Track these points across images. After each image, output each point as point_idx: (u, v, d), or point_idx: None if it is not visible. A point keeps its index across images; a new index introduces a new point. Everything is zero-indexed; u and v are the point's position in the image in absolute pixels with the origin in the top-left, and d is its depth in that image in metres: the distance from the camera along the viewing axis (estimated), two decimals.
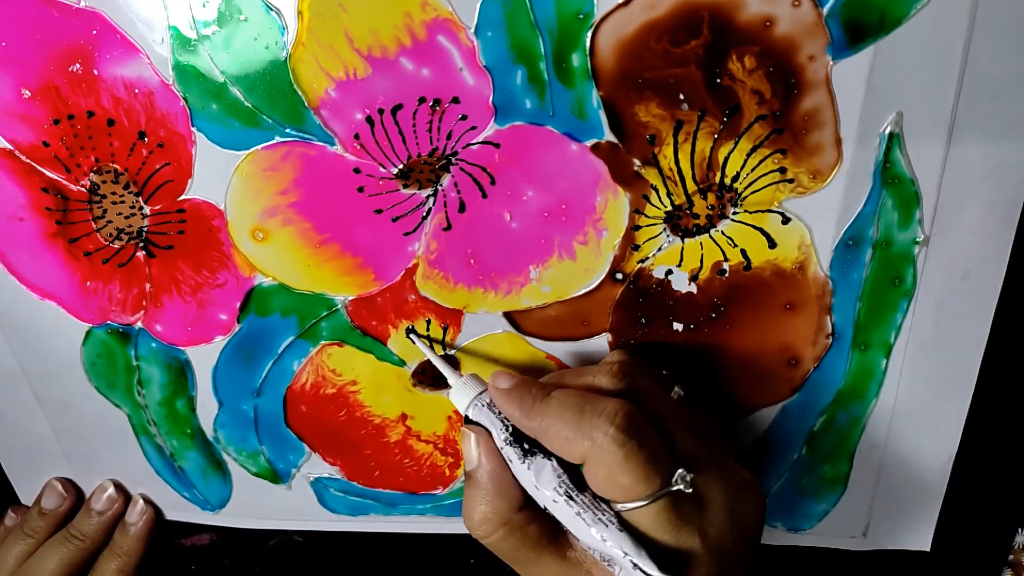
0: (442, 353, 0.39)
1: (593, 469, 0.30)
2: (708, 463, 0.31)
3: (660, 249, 0.36)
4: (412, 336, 0.39)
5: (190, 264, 0.38)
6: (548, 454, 0.32)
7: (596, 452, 0.30)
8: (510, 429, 0.33)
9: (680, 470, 0.30)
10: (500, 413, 0.33)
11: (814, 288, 0.36)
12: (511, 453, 0.32)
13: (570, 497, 0.30)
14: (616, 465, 0.29)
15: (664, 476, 0.30)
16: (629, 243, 0.36)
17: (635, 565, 0.29)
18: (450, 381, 0.36)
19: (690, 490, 0.30)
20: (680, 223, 0.35)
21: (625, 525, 0.30)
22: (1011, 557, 0.43)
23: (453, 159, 0.34)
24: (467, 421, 0.35)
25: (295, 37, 0.32)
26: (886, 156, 0.33)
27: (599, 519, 0.30)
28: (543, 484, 0.31)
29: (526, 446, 0.32)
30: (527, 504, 0.32)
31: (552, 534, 0.32)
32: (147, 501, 0.45)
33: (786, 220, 0.35)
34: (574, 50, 0.32)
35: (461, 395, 0.35)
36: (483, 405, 0.34)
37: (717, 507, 0.31)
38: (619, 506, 0.30)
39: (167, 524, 0.46)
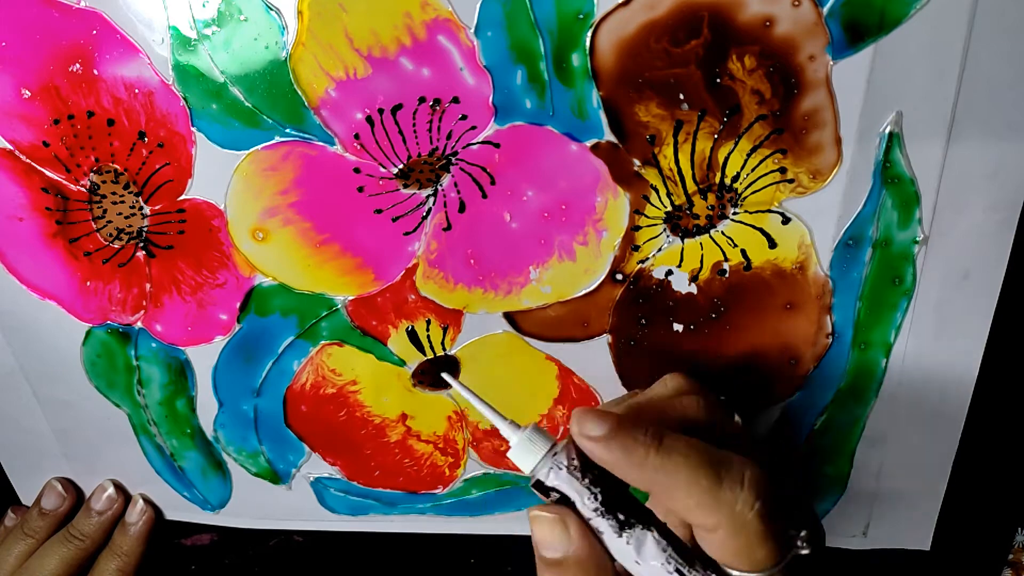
0: (443, 354, 0.39)
1: (725, 539, 0.27)
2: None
3: (660, 249, 0.36)
4: (455, 383, 0.33)
5: (190, 264, 0.38)
6: (648, 523, 0.28)
7: (734, 523, 0.26)
8: (599, 497, 0.27)
9: (803, 531, 0.28)
10: (585, 476, 0.28)
11: (814, 288, 0.36)
12: (603, 525, 0.27)
13: (680, 573, 0.27)
14: (755, 537, 0.27)
15: (785, 544, 0.27)
16: (629, 243, 0.36)
17: None
18: (511, 439, 0.29)
19: (807, 552, 0.28)
20: (680, 223, 0.35)
21: None
22: (1011, 557, 0.43)
23: (453, 159, 0.34)
24: (538, 487, 0.29)
25: (295, 37, 0.32)
26: (886, 156, 0.33)
27: None
28: (646, 559, 0.27)
29: (621, 517, 0.27)
30: None
31: None
32: (147, 501, 0.45)
33: (786, 220, 0.35)
34: (574, 50, 0.32)
35: (527, 452, 0.28)
36: (561, 468, 0.28)
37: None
38: (739, 573, 0.27)
39: (167, 524, 0.46)
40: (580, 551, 0.27)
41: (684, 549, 0.28)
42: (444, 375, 0.36)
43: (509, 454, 0.29)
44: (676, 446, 0.27)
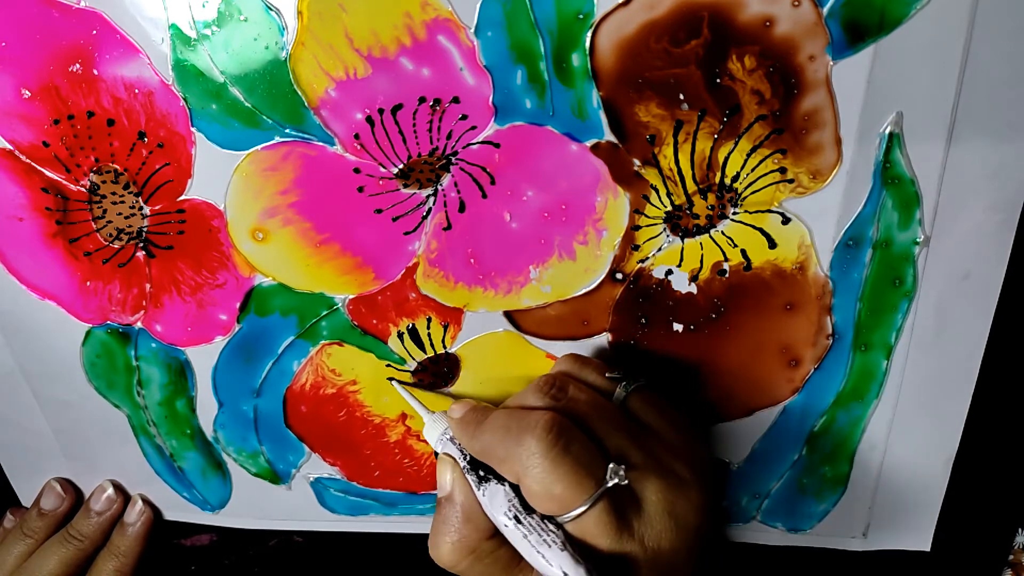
0: (442, 351, 0.39)
1: (528, 486, 0.30)
2: (643, 462, 0.31)
3: (660, 249, 0.36)
4: (394, 382, 0.40)
5: (190, 264, 0.38)
6: (502, 480, 0.32)
7: (526, 467, 0.30)
8: (468, 457, 0.33)
9: (612, 464, 0.30)
10: (460, 443, 0.34)
11: (814, 288, 0.36)
12: (470, 479, 0.33)
13: (518, 520, 0.30)
14: (546, 476, 0.29)
15: (598, 477, 0.30)
16: (629, 243, 0.36)
17: None
18: (424, 419, 0.37)
19: (625, 482, 0.30)
20: (680, 223, 0.35)
21: (570, 543, 0.30)
22: (1011, 557, 0.43)
23: (453, 159, 0.34)
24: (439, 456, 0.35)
25: (295, 37, 0.32)
26: (886, 156, 0.33)
27: (543, 540, 0.30)
28: (496, 509, 0.31)
29: (481, 473, 0.32)
30: (495, 532, 0.32)
31: (519, 558, 0.32)
32: (145, 501, 0.45)
33: (786, 220, 0.35)
34: (574, 50, 0.32)
35: (432, 431, 0.36)
36: (447, 438, 0.35)
37: (654, 507, 0.31)
38: (561, 518, 0.30)
39: (167, 524, 0.46)
40: (455, 492, 0.33)
41: (527, 503, 0.31)
42: (395, 385, 0.40)
43: (423, 432, 0.37)
44: (489, 421, 0.33)
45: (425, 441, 0.38)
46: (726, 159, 0.34)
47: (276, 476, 0.44)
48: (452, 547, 0.32)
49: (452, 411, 0.35)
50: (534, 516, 0.31)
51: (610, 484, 0.29)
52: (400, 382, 0.40)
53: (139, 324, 0.40)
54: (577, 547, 0.30)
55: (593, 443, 0.31)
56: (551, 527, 0.30)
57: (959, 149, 0.33)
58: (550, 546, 0.30)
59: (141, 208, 0.37)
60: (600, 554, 0.30)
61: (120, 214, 0.37)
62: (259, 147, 0.34)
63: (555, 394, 0.33)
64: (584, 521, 0.30)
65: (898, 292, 0.36)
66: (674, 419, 0.34)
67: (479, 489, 0.32)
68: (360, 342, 0.39)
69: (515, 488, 0.31)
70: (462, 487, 0.33)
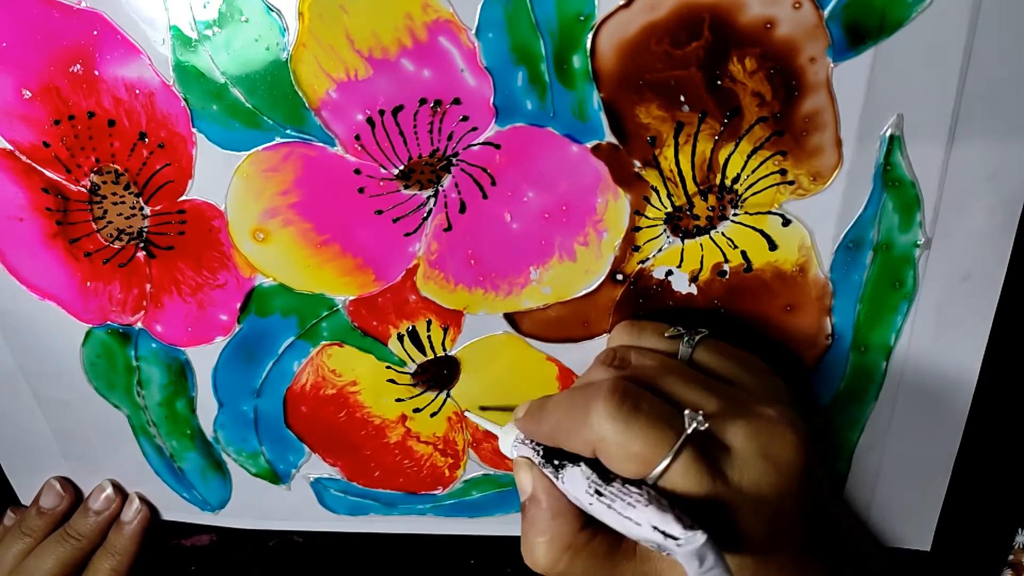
0: (442, 354, 0.39)
1: (604, 451, 0.29)
2: (723, 409, 0.30)
3: (660, 250, 0.36)
4: (467, 413, 0.41)
5: (190, 265, 0.38)
6: (577, 461, 0.30)
7: (599, 434, 0.29)
8: (540, 451, 0.32)
9: (687, 411, 0.28)
10: (533, 443, 0.33)
11: (814, 290, 0.36)
12: (548, 473, 0.31)
13: (600, 494, 0.29)
14: (620, 435, 0.28)
15: (676, 428, 0.28)
16: (629, 244, 0.36)
17: (665, 535, 0.26)
18: (498, 434, 0.36)
19: (705, 426, 0.28)
20: (680, 224, 0.35)
21: (658, 498, 0.28)
22: (1011, 557, 0.43)
23: (454, 160, 0.34)
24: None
25: (296, 38, 0.32)
26: (887, 158, 0.33)
27: (627, 503, 0.28)
28: (578, 492, 0.30)
29: (556, 462, 0.31)
30: (588, 523, 0.31)
31: (619, 541, 0.31)
32: (143, 500, 0.45)
33: (786, 222, 0.35)
34: (575, 51, 0.32)
35: (506, 442, 0.35)
36: (519, 442, 0.34)
37: (744, 451, 0.29)
38: (649, 477, 0.28)
39: (167, 525, 0.46)
40: (537, 491, 0.31)
41: (608, 474, 0.30)
42: (467, 414, 0.41)
43: (500, 446, 0.36)
44: (553, 401, 0.32)
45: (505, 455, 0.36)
46: (727, 161, 0.34)
47: (276, 476, 0.44)
48: (547, 546, 0.30)
49: (516, 412, 0.34)
50: (615, 484, 0.29)
51: (689, 430, 0.28)
52: (467, 411, 0.41)
53: (139, 324, 0.40)
54: (665, 497, 0.28)
55: (663, 399, 0.30)
56: (633, 489, 0.28)
57: (960, 151, 0.33)
58: (635, 506, 0.28)
59: (142, 208, 0.37)
60: (699, 506, 0.28)
61: (120, 214, 0.37)
62: (260, 148, 0.34)
63: (618, 364, 0.32)
64: (671, 476, 0.28)
65: (898, 294, 0.36)
66: (747, 360, 0.33)
67: (558, 478, 0.31)
68: (360, 344, 0.39)
69: (591, 465, 0.30)
70: (543, 484, 0.31)
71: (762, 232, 0.35)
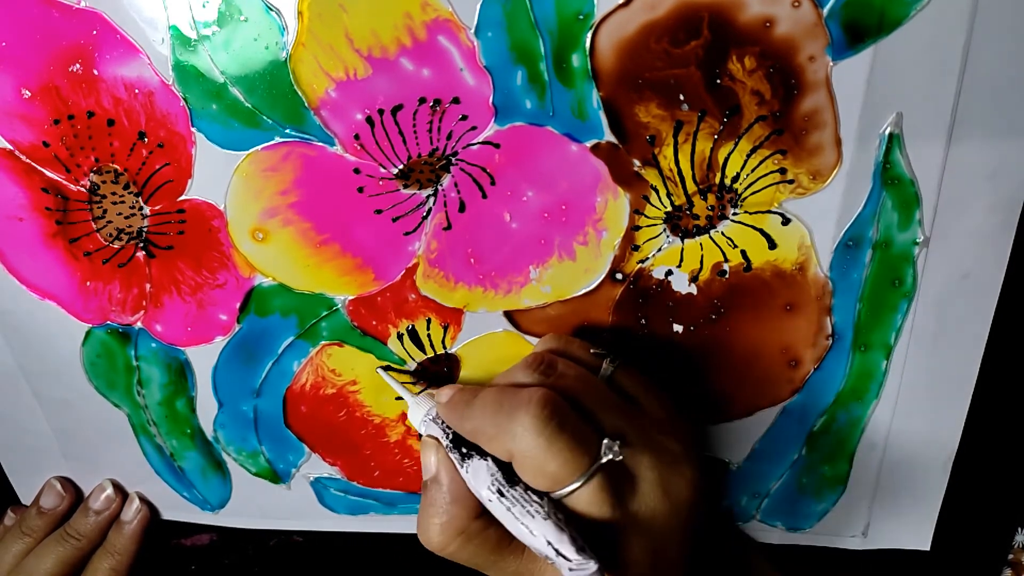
0: (442, 352, 0.39)
1: (520, 462, 0.30)
2: (636, 439, 0.31)
3: (660, 250, 0.36)
4: (379, 369, 0.40)
5: (190, 264, 0.38)
6: (485, 455, 0.32)
7: (519, 444, 0.29)
8: (450, 436, 0.33)
9: (606, 440, 0.30)
10: (444, 424, 0.34)
11: (814, 289, 0.36)
12: (454, 458, 0.32)
13: (501, 494, 0.30)
14: (540, 453, 0.29)
15: (592, 453, 0.29)
16: (629, 243, 0.36)
17: (557, 552, 0.28)
18: (408, 401, 0.37)
19: (620, 458, 0.29)
20: (680, 224, 0.35)
21: (556, 514, 0.29)
22: (1011, 557, 0.43)
23: (453, 159, 0.34)
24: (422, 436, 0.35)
25: (295, 37, 0.32)
26: (886, 157, 0.33)
27: (526, 511, 0.29)
28: (479, 485, 0.31)
29: (463, 451, 0.32)
30: (483, 512, 0.32)
31: (510, 536, 0.32)
32: (142, 500, 0.45)
33: (786, 221, 0.35)
34: (574, 50, 0.32)
35: (415, 413, 0.36)
36: (430, 419, 0.34)
37: (647, 483, 0.31)
38: (556, 494, 0.30)
39: (167, 524, 0.46)
40: (440, 473, 0.32)
41: (514, 477, 0.31)
42: (379, 371, 0.40)
43: (408, 415, 0.37)
44: (479, 399, 0.32)
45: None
46: (726, 160, 0.34)
47: (276, 476, 0.44)
48: (441, 528, 0.32)
49: (439, 394, 0.35)
50: (517, 488, 0.30)
51: (604, 460, 0.29)
52: (385, 368, 0.40)
53: (139, 324, 0.40)
54: (562, 515, 0.29)
55: (585, 419, 0.31)
56: (534, 498, 0.30)
57: (959, 150, 0.33)
58: (533, 516, 0.29)
59: (141, 208, 0.37)
60: (594, 528, 0.29)
61: (120, 214, 0.37)
62: (259, 147, 0.34)
63: (544, 370, 0.33)
64: (577, 498, 0.29)
65: (898, 292, 0.36)
66: (659, 395, 0.34)
67: (462, 466, 0.32)
68: (360, 343, 0.39)
69: (498, 463, 0.31)
70: (447, 467, 0.32)
71: (762, 231, 0.35)
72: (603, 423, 0.31)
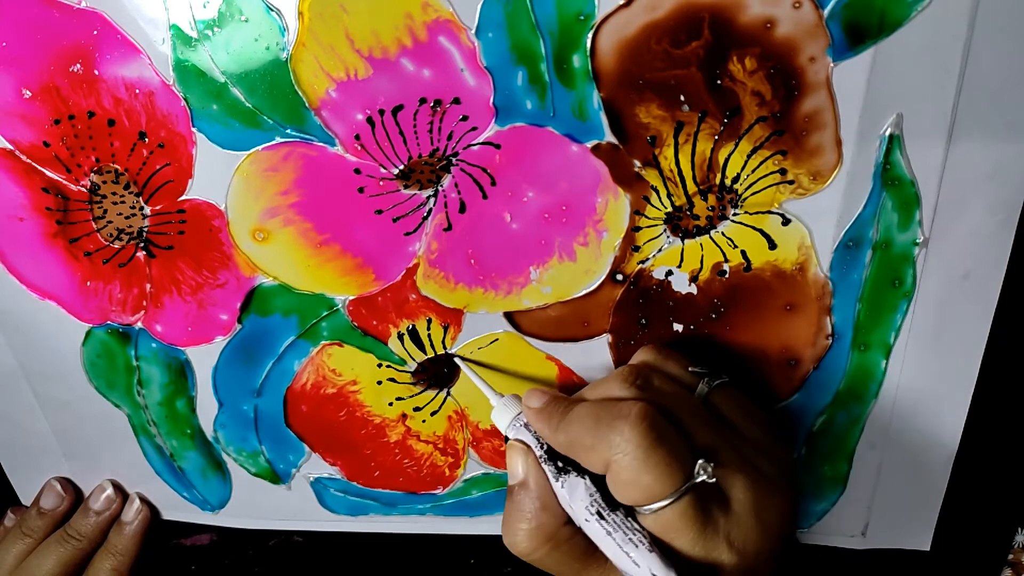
0: (442, 352, 0.39)
1: (616, 474, 0.30)
2: (730, 460, 0.31)
3: (660, 250, 0.36)
4: (457, 359, 0.39)
5: (190, 264, 0.38)
6: (583, 472, 0.32)
7: (616, 455, 0.29)
8: (545, 447, 0.33)
9: (701, 460, 0.29)
10: (534, 431, 0.34)
11: (814, 289, 0.36)
12: (547, 469, 0.32)
13: (601, 516, 0.30)
14: (637, 464, 0.29)
15: (686, 471, 0.29)
16: (629, 244, 0.36)
17: None
18: (492, 401, 0.36)
19: (713, 480, 0.29)
20: (680, 224, 0.35)
21: (656, 543, 0.29)
22: (1011, 557, 0.43)
23: (454, 160, 0.34)
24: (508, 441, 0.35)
25: (296, 38, 0.32)
26: (886, 157, 0.33)
27: (630, 539, 0.30)
28: (576, 503, 0.31)
29: (560, 464, 0.32)
30: (569, 519, 0.32)
31: (594, 545, 0.32)
32: (143, 500, 0.45)
33: (786, 221, 0.35)
34: (575, 51, 0.32)
35: (502, 415, 0.35)
36: (521, 424, 0.34)
37: (740, 505, 0.30)
38: (646, 508, 0.29)
39: (168, 524, 0.46)
40: (529, 479, 0.32)
41: (613, 500, 0.31)
42: (458, 360, 0.39)
43: (491, 415, 0.36)
44: (576, 411, 0.32)
45: (495, 426, 0.37)
46: (726, 160, 0.34)
47: (276, 476, 0.44)
48: (529, 534, 0.32)
49: (529, 399, 0.34)
50: (618, 513, 0.30)
51: (698, 480, 0.29)
52: (463, 358, 0.39)
53: (139, 324, 0.40)
54: (662, 547, 0.29)
55: (682, 436, 0.30)
56: (636, 526, 0.30)
57: (959, 150, 0.33)
58: (637, 546, 0.29)
59: (142, 208, 0.37)
60: (683, 551, 0.29)
61: (120, 214, 0.37)
62: (260, 147, 0.34)
63: (641, 384, 0.32)
64: (667, 515, 0.29)
65: (897, 292, 0.36)
66: (759, 418, 0.34)
67: (557, 480, 0.32)
68: (360, 343, 0.39)
69: (595, 482, 0.31)
70: (536, 474, 0.32)
71: (762, 231, 0.35)
72: (697, 442, 0.31)
